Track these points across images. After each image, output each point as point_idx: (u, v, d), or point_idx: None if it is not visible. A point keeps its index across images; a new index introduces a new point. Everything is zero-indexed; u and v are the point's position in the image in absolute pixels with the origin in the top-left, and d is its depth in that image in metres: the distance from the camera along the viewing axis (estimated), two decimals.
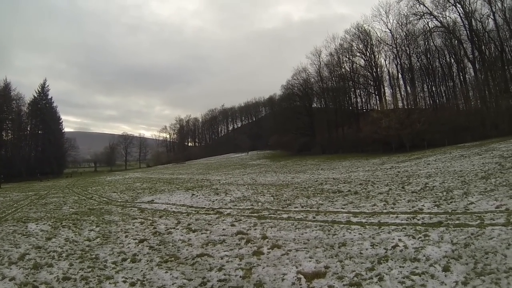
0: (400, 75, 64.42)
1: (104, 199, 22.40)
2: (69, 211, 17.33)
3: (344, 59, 71.33)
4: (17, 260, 8.42)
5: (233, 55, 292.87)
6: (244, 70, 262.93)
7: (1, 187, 41.33)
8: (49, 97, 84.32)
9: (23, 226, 13.23)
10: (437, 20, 56.28)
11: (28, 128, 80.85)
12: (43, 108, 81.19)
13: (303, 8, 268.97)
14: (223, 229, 10.69)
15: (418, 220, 9.27)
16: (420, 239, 7.49)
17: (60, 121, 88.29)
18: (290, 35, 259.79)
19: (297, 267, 6.68)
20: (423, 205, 11.05)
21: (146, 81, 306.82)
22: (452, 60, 57.64)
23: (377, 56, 66.25)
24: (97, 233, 11.45)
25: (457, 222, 8.59)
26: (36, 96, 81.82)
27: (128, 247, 9.44)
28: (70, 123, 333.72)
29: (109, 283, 6.78)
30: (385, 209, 11.33)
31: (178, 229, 11.26)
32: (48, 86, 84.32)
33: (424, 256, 6.51)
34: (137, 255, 8.52)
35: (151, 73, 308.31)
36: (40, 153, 78.09)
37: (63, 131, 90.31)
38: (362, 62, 68.55)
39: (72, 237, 11.09)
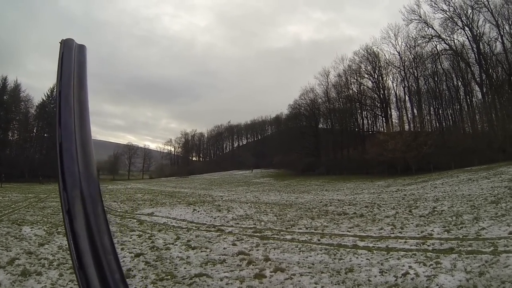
0: (407, 98, 64.69)
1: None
2: None
3: (352, 80, 72.11)
4: (5, 264, 8.07)
5: (241, 72, 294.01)
6: (252, 88, 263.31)
7: (2, 186, 41.09)
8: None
9: (18, 228, 12.87)
10: (445, 43, 57.02)
11: (34, 130, 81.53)
12: (51, 112, 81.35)
13: (312, 29, 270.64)
14: (224, 248, 10.26)
15: (428, 246, 8.87)
16: (431, 267, 7.06)
17: None
18: (299, 55, 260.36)
19: None
20: (432, 230, 10.64)
21: (154, 93, 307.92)
22: (460, 83, 58.13)
23: (385, 78, 66.91)
24: None
25: (469, 248, 8.21)
26: (44, 99, 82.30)
27: (123, 260, 8.97)
28: None
29: None
30: (393, 233, 10.94)
31: (177, 245, 10.84)
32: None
33: (437, 285, 6.11)
34: (132, 270, 8.09)
35: (160, 86, 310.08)
36: (44, 156, 77.94)
37: None
38: (369, 84, 69.30)
39: (66, 245, 10.66)
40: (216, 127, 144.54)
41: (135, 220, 16.46)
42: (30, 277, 7.34)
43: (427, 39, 58.27)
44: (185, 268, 8.27)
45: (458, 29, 54.84)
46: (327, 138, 74.23)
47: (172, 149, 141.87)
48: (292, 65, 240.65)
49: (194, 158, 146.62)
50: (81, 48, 1.26)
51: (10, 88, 74.55)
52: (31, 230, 12.59)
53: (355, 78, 71.14)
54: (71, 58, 1.19)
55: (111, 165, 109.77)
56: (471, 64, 54.57)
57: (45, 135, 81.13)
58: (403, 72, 63.42)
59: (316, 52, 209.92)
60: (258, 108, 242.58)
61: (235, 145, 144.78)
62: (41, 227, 13.34)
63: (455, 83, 58.57)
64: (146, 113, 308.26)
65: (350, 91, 72.24)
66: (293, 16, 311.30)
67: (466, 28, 53.69)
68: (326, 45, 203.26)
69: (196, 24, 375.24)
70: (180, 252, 9.82)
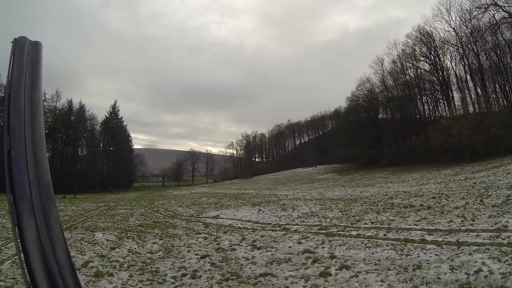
0: (468, 77, 60.68)
1: (170, 213, 22.85)
2: (135, 223, 17.87)
3: (407, 65, 68.95)
4: (80, 267, 8.66)
5: (294, 70, 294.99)
6: (306, 84, 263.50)
7: (76, 197, 43.93)
8: (120, 116, 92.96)
9: (91, 234, 13.75)
10: (503, 10, 51.62)
11: (101, 145, 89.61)
12: (114, 126, 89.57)
13: (357, 16, 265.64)
14: (289, 247, 10.27)
15: (503, 239, 8.26)
16: (507, 263, 6.55)
17: (130, 139, 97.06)
18: (348, 45, 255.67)
19: None
20: (507, 222, 9.92)
21: (210, 99, 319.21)
22: None
23: (442, 58, 63.29)
24: (160, 246, 11.58)
25: None
26: (107, 116, 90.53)
27: (190, 262, 9.36)
28: (139, 140, 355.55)
29: None
30: (463, 226, 10.38)
31: (242, 245, 11.04)
32: (118, 106, 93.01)
33: None
34: (198, 271, 8.37)
35: (214, 91, 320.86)
36: (111, 167, 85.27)
37: (132, 147, 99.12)
38: (426, 66, 66.09)
39: (135, 248, 11.33)
40: (276, 126, 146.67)
41: (201, 224, 16.89)
42: (102, 278, 7.89)
43: (483, 9, 53.26)
44: (250, 268, 8.42)
45: None
46: (388, 128, 71.84)
47: (234, 152, 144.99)
48: (343, 57, 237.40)
49: (257, 159, 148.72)
50: (35, 46, 1.19)
51: (76, 109, 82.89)
52: (103, 236, 13.39)
53: (411, 62, 68.06)
54: (23, 57, 1.14)
55: (175, 171, 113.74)
56: None
57: (111, 148, 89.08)
58: (461, 49, 59.21)
59: (366, 40, 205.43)
60: (316, 104, 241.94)
61: (297, 142, 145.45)
62: (112, 233, 14.17)
63: None
64: (204, 119, 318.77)
65: (407, 77, 69.23)
66: (336, 6, 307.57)
67: None
68: (374, 31, 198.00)
69: (242, 28, 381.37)
70: (246, 253, 9.99)
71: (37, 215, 0.99)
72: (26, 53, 1.14)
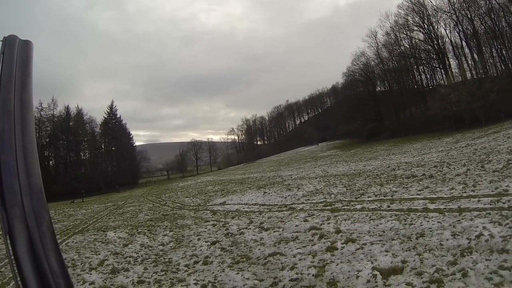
0: (464, 43, 59.72)
1: (177, 204, 23.05)
2: (144, 218, 18.06)
3: (401, 36, 68.18)
4: (96, 266, 8.99)
5: (288, 50, 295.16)
6: (302, 64, 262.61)
7: (84, 201, 44.50)
8: (118, 116, 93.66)
9: (103, 234, 14.03)
10: None
11: (103, 146, 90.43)
12: (114, 126, 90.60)
13: None
14: (296, 226, 10.47)
15: (504, 203, 8.37)
16: (507, 226, 6.66)
17: (131, 136, 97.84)
18: (340, 21, 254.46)
19: (372, 263, 6.31)
20: (507, 186, 10.02)
21: (206, 88, 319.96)
22: None
23: (436, 26, 62.40)
24: (171, 238, 11.81)
25: None
26: (106, 117, 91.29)
27: (200, 249, 9.59)
28: (140, 137, 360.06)
29: (181, 285, 6.94)
30: (465, 192, 10.52)
31: (250, 228, 11.23)
32: (115, 106, 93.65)
33: None
34: (209, 257, 8.62)
35: (210, 79, 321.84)
36: (115, 167, 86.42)
37: (134, 145, 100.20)
38: (421, 36, 65.24)
39: (147, 242, 11.57)
40: (275, 108, 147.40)
41: (209, 211, 17.04)
42: (118, 273, 8.16)
43: None
44: (259, 249, 8.65)
45: None
46: (387, 100, 71.38)
47: (236, 137, 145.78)
48: (336, 33, 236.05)
49: (259, 142, 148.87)
50: (26, 45, 1.16)
51: (73, 114, 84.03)
52: (115, 234, 13.65)
53: (404, 33, 67.42)
54: (13, 56, 1.10)
55: (179, 163, 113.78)
56: None
57: (113, 148, 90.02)
58: (454, 16, 58.60)
59: (357, 14, 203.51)
60: (313, 82, 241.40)
61: (297, 122, 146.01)
62: (123, 230, 14.41)
63: None
64: (203, 107, 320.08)
65: (402, 48, 68.67)
66: None
67: None
68: (365, 4, 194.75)
69: (232, 14, 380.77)
70: (254, 235, 10.19)
71: (29, 222, 0.96)
72: (16, 53, 1.11)
